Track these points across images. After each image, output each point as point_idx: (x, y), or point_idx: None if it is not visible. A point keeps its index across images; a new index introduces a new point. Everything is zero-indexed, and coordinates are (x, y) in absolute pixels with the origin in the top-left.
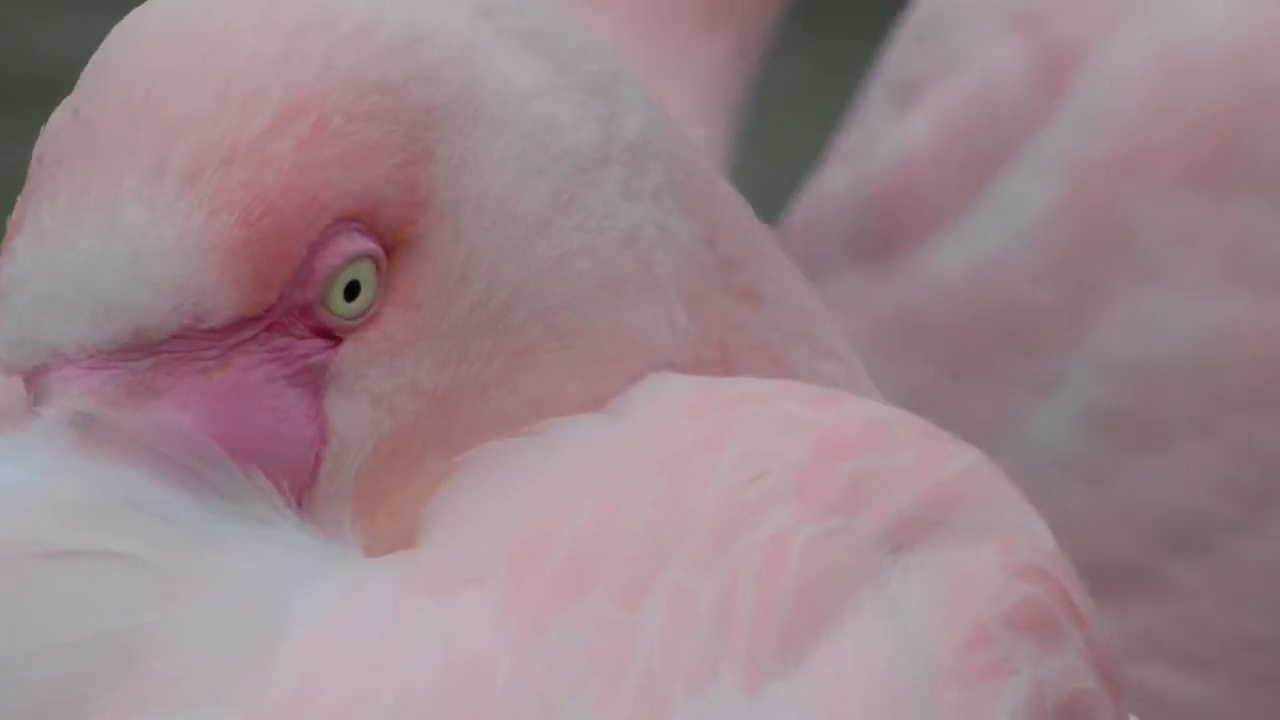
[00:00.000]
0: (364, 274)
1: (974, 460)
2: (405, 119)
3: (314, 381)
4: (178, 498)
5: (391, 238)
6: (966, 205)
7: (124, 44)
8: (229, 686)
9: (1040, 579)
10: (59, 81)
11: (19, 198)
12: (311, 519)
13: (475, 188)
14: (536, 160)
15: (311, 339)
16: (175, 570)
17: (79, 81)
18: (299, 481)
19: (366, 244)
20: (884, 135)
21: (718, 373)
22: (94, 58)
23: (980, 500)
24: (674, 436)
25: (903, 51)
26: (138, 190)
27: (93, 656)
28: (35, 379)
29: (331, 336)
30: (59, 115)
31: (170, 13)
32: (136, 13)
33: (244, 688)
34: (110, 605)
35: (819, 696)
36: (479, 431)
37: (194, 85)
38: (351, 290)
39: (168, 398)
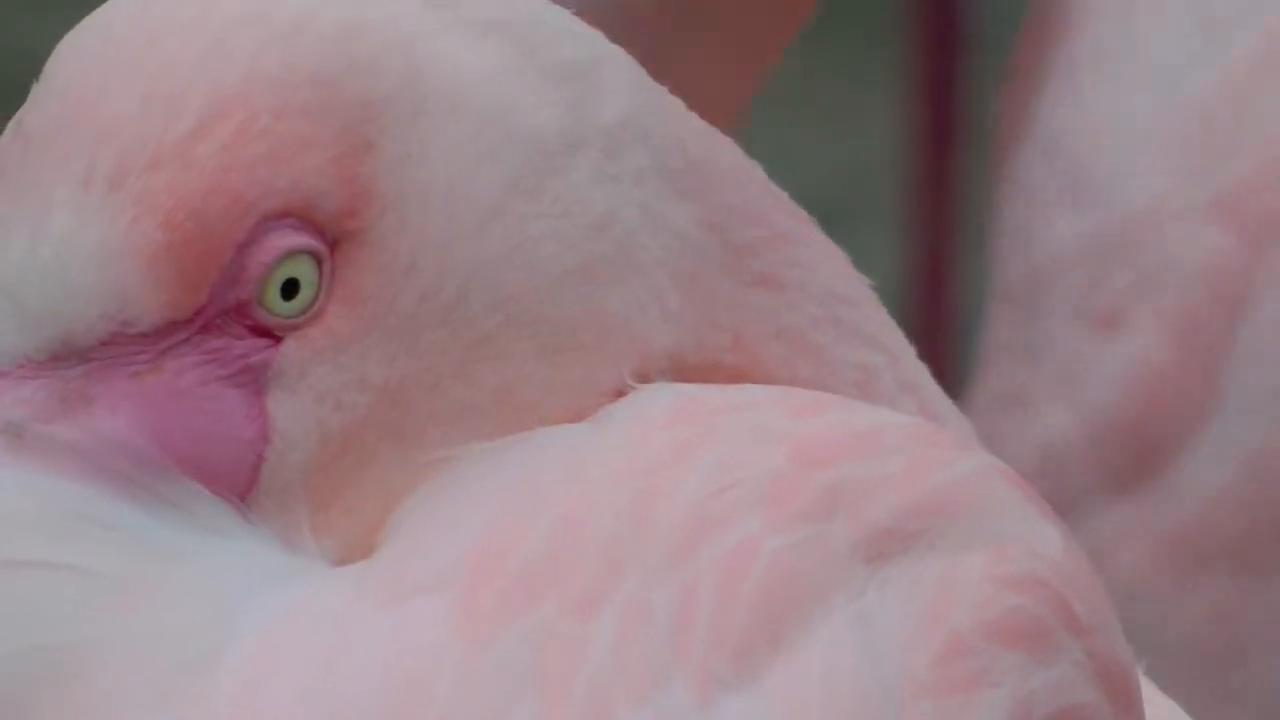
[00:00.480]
0: (302, 271)
1: (971, 467)
2: (340, 112)
3: (255, 381)
4: (125, 509)
5: (333, 232)
6: (1214, 402)
7: (64, 54)
8: (173, 698)
9: (1034, 589)
10: None
11: None
12: (267, 527)
13: (422, 176)
14: (491, 146)
15: (250, 339)
16: (122, 582)
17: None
18: (240, 481)
19: (301, 240)
20: (1097, 364)
21: (729, 359)
22: (44, 68)
23: (973, 508)
24: (648, 447)
25: (1084, 287)
26: (66, 198)
27: (32, 668)
28: None
29: (271, 336)
30: (8, 128)
31: (106, 20)
32: (79, 25)
33: (187, 698)
34: (53, 617)
35: (776, 709)
36: (436, 422)
37: (121, 90)
38: (290, 288)
39: (98, 404)
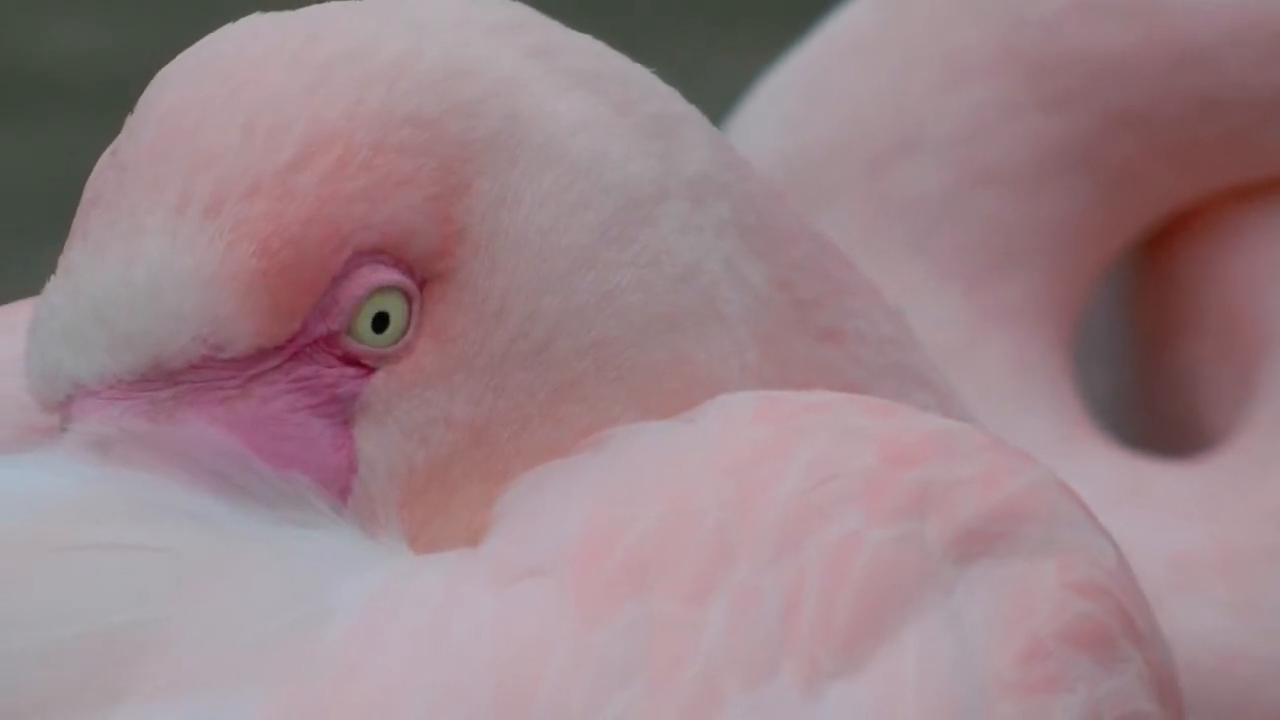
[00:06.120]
0: (393, 305)
1: (1038, 476)
2: (439, 153)
3: (343, 411)
4: (212, 499)
5: (424, 271)
6: None
7: (162, 84)
8: (265, 669)
9: (1100, 597)
10: (59, 81)
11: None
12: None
13: (515, 221)
14: (584, 194)
15: (339, 368)
16: (212, 561)
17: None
18: None
19: (393, 276)
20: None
21: None
22: (140, 99)
23: (1042, 516)
24: (741, 442)
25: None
26: (161, 224)
27: (125, 642)
28: (62, 412)
29: (360, 365)
30: (103, 157)
31: (207, 52)
32: (180, 56)
33: (285, 670)
34: (143, 593)
35: (874, 701)
36: (522, 461)
37: (220, 120)
38: (380, 321)
39: (187, 425)
